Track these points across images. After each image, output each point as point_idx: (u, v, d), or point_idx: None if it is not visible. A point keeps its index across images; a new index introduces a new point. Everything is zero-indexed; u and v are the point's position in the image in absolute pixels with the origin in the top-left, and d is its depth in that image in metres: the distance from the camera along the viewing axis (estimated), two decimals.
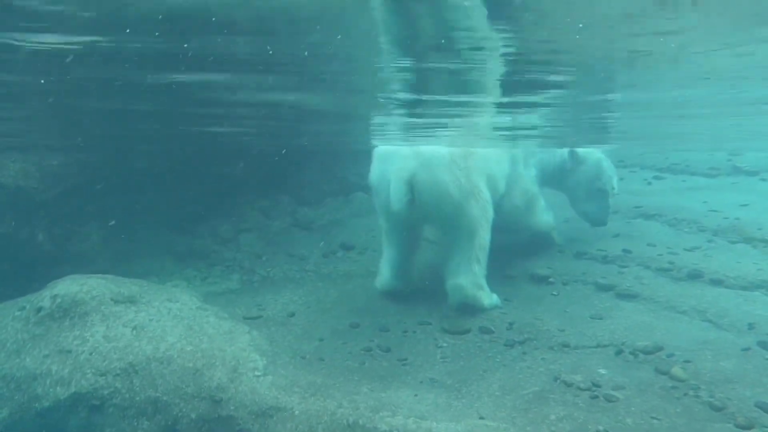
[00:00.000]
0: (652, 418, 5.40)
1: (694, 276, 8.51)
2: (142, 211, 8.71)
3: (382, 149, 8.29)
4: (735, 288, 8.15)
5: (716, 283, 8.31)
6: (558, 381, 6.14)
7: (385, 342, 7.38)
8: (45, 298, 6.97)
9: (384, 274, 8.52)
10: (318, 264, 9.52)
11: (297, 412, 5.88)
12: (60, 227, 7.90)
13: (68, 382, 6.25)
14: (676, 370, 6.17)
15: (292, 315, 8.04)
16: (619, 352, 6.69)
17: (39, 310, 6.89)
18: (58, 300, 6.92)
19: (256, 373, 6.46)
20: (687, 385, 5.94)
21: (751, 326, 7.04)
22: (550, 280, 8.81)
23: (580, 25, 3.91)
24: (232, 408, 6.04)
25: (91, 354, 6.45)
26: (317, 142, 10.06)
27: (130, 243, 8.63)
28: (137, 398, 6.16)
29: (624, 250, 9.40)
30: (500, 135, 9.29)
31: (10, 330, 6.86)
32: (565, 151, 9.42)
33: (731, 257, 9.00)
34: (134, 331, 6.74)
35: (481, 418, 5.53)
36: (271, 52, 4.47)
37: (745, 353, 6.45)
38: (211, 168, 9.37)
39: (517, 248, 9.78)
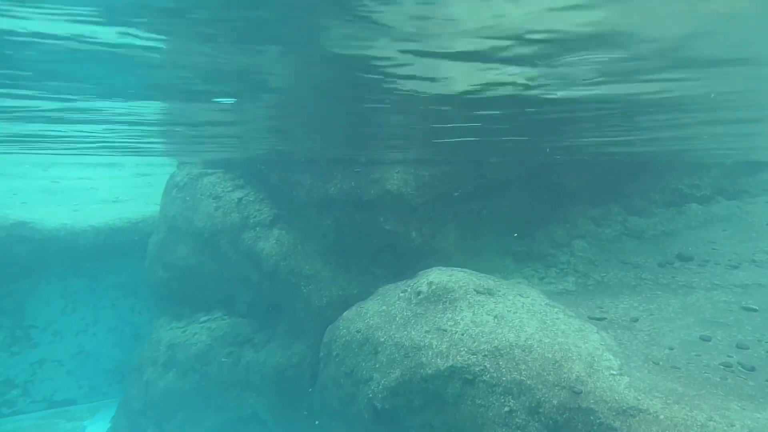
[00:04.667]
0: None
1: None
2: (489, 215, 9.82)
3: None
4: None
5: None
6: None
7: (746, 360, 6.94)
8: (422, 284, 8.42)
9: None
10: (654, 273, 9.35)
11: (662, 417, 5.98)
12: (427, 227, 9.49)
13: (446, 356, 7.44)
14: None
15: (636, 320, 8.10)
16: None
17: (418, 293, 8.36)
18: (433, 286, 8.29)
19: (612, 372, 6.74)
20: None
21: None
22: None
23: None
24: (591, 401, 6.42)
25: (462, 335, 7.57)
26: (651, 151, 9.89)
27: (478, 243, 9.81)
28: (504, 378, 7.00)
29: None
30: None
31: (397, 307, 8.48)
32: None
33: None
34: (496, 320, 7.67)
35: None
36: None
37: None
38: (549, 178, 10.02)
39: None
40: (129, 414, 12.43)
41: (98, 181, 19.53)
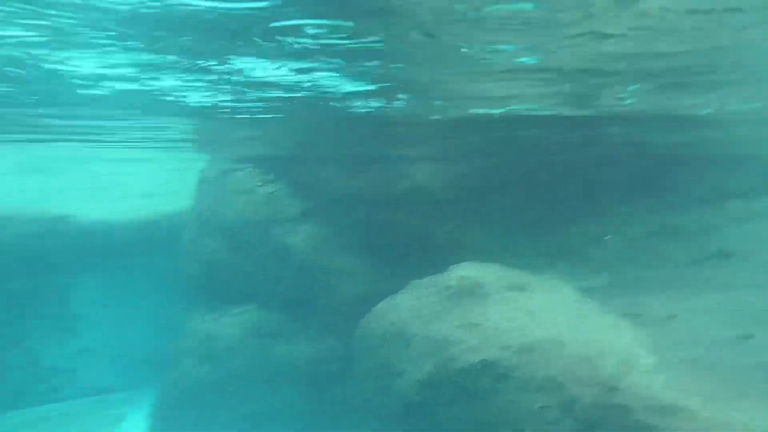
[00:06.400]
0: None
1: None
2: (520, 210, 9.73)
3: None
4: None
5: None
6: None
7: None
8: (453, 278, 8.40)
9: None
10: (692, 269, 9.15)
11: (700, 417, 5.86)
12: (457, 222, 9.46)
13: (477, 351, 7.42)
14: None
15: (672, 318, 7.94)
16: None
17: (449, 288, 8.35)
18: (463, 281, 8.27)
19: (647, 369, 6.64)
20: None
21: None
22: None
23: None
24: (626, 399, 6.33)
25: (493, 330, 7.53)
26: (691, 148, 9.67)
27: (508, 238, 9.73)
28: (536, 374, 6.94)
29: None
30: None
31: (428, 302, 8.47)
32: None
33: None
34: (528, 315, 7.62)
35: None
36: None
37: None
38: (583, 173, 9.88)
39: None
40: (166, 403, 12.73)
41: (133, 177, 19.96)
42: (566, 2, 3.56)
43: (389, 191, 9.85)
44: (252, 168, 12.55)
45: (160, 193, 18.53)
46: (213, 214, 12.81)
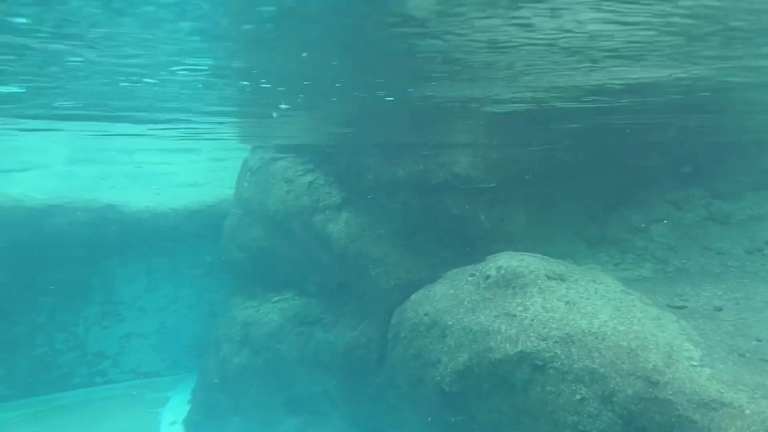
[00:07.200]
0: None
1: None
2: (561, 198, 9.56)
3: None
4: None
5: None
6: None
7: None
8: (491, 268, 8.32)
9: None
10: (741, 260, 8.81)
11: (748, 412, 5.66)
12: (496, 210, 9.36)
13: (515, 341, 7.35)
14: None
15: (720, 310, 7.69)
16: None
17: (487, 278, 8.28)
18: (502, 271, 8.18)
19: (692, 363, 6.44)
20: None
21: None
22: None
23: None
24: (669, 392, 6.17)
25: (532, 320, 7.44)
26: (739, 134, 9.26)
27: (549, 227, 9.57)
28: (575, 366, 6.84)
29: None
30: None
31: (465, 291, 8.44)
32: None
33: None
34: (567, 306, 7.48)
35: None
36: None
37: None
38: (625, 160, 9.61)
39: None
40: (207, 388, 13.11)
41: (177, 166, 20.50)
42: None
43: (428, 179, 9.80)
44: (293, 157, 12.70)
45: (204, 182, 18.98)
46: (255, 203, 13.03)
